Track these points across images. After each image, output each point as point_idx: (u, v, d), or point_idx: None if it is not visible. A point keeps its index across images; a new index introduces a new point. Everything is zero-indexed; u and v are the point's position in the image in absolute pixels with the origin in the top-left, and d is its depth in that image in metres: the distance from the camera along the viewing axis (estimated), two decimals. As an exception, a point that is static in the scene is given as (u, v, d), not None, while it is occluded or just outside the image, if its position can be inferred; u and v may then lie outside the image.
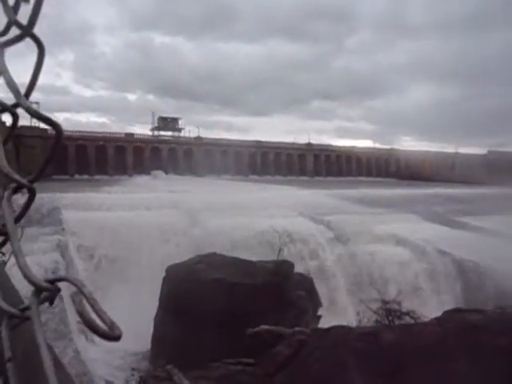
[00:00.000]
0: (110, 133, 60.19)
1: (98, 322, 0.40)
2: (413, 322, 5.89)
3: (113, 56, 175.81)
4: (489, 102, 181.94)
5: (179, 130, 69.92)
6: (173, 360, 10.08)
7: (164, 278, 11.89)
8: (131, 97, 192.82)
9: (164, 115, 71.60)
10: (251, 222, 19.37)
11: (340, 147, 77.52)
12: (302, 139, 76.11)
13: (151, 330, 11.74)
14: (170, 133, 69.05)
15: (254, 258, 13.61)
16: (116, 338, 0.41)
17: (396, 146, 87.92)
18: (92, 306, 0.42)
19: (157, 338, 11.39)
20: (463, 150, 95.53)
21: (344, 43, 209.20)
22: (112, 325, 0.41)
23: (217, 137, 67.25)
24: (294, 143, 72.85)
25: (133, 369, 10.53)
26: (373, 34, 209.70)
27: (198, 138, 64.19)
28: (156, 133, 68.22)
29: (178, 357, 10.04)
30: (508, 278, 17.03)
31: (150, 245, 17.70)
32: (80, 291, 0.43)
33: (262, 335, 8.09)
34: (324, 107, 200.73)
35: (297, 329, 7.63)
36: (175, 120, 70.87)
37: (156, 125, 69.41)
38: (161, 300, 11.65)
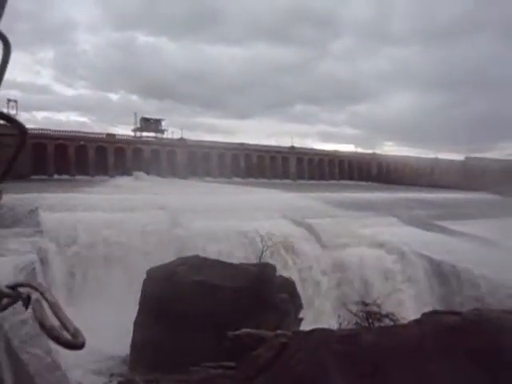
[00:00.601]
0: (92, 133, 59.21)
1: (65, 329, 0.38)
2: (392, 323, 5.96)
3: (95, 55, 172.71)
4: (468, 109, 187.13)
5: (162, 132, 69.29)
6: (153, 364, 9.96)
7: (145, 280, 11.73)
8: (113, 97, 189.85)
9: (147, 116, 70.85)
10: (234, 224, 19.34)
11: (323, 151, 78.24)
12: (286, 142, 76.51)
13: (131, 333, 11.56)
14: (152, 134, 68.34)
15: (236, 261, 13.59)
16: (79, 346, 0.38)
17: (378, 151, 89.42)
18: (55, 313, 0.39)
19: (136, 342, 11.21)
20: (442, 156, 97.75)
21: (328, 48, 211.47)
22: (76, 332, 0.38)
23: (200, 139, 66.98)
24: (277, 146, 73.14)
25: (111, 374, 10.33)
26: (357, 40, 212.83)
27: (181, 140, 63.76)
28: (138, 134, 67.43)
29: (158, 361, 9.93)
30: (485, 280, 17.50)
31: (131, 246, 17.46)
32: (43, 297, 0.40)
33: (244, 338, 8.08)
34: (308, 111, 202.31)
35: (278, 332, 7.64)
36: (158, 121, 70.22)
37: (138, 126, 68.58)
38: (141, 303, 11.49)
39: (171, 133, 68.36)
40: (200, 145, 63.37)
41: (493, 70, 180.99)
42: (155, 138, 66.32)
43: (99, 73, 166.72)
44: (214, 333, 9.37)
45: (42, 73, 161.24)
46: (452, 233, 26.18)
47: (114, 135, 59.83)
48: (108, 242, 17.39)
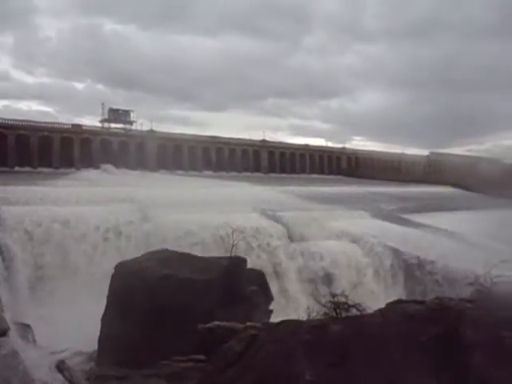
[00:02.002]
0: (56, 123, 56.84)
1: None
2: (359, 313, 6.12)
3: (58, 41, 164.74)
4: (432, 107, 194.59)
5: (131, 123, 67.49)
6: (121, 359, 9.79)
7: (112, 275, 11.47)
8: (79, 86, 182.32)
9: (115, 107, 68.65)
10: (204, 217, 19.23)
11: (294, 145, 78.91)
12: (257, 136, 76.60)
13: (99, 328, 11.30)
14: (121, 125, 66.37)
15: (206, 254, 13.53)
16: (1, 333, 0.35)
17: (348, 145, 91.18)
18: None
19: (104, 338, 10.98)
20: (408, 151, 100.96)
21: (301, 42, 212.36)
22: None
23: (171, 131, 65.84)
24: (249, 140, 73.06)
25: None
26: (329, 35, 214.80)
27: (151, 132, 62.45)
28: (106, 125, 65.34)
29: (126, 356, 9.76)
30: (446, 270, 18.31)
31: (98, 241, 17.00)
32: None
33: (214, 331, 8.07)
34: (279, 105, 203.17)
35: (249, 324, 7.69)
36: (127, 112, 68.30)
37: (106, 117, 66.46)
38: (109, 298, 11.23)
39: (140, 124, 66.83)
40: (170, 137, 62.32)
41: (454, 71, 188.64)
42: (124, 129, 64.54)
43: (63, 60, 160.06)
44: (184, 326, 9.31)
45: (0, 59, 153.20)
46: (417, 225, 27.15)
47: (80, 126, 57.78)
48: (74, 237, 16.86)
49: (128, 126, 66.54)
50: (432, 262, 19.45)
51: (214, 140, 66.87)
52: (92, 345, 11.16)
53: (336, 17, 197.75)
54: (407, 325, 5.48)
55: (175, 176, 49.89)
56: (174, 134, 64.44)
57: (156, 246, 13.66)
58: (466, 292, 6.76)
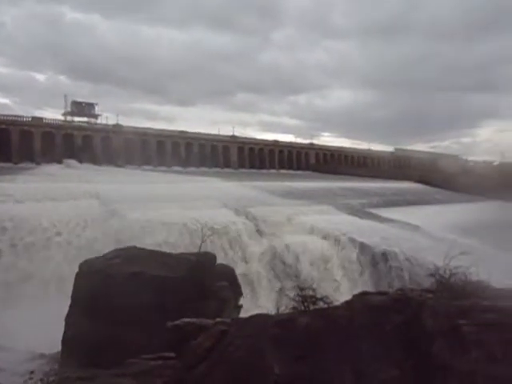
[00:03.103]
0: (14, 116, 54.03)
1: None
2: (326, 306, 6.26)
3: (15, 28, 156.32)
4: (397, 105, 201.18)
5: (96, 117, 65.33)
6: (88, 360, 9.54)
7: (77, 274, 11.12)
8: (39, 77, 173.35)
9: (79, 99, 66.20)
10: (174, 214, 18.98)
11: (264, 140, 79.20)
12: (227, 131, 76.28)
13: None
14: (85, 119, 64.09)
15: (175, 251, 13.38)
16: None
17: (316, 141, 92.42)
18: None
19: (69, 339, 10.63)
20: (375, 147, 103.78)
21: (270, 38, 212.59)
22: None
23: (138, 125, 64.28)
24: (218, 135, 72.62)
25: (31, 372, 9.73)
26: (298, 30, 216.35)
27: (117, 126, 60.70)
28: (69, 118, 62.90)
29: (92, 356, 9.51)
30: (409, 262, 19.03)
31: (62, 239, 16.41)
32: None
33: (183, 328, 8.01)
34: (249, 100, 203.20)
35: (218, 319, 7.68)
36: (91, 105, 66.05)
37: (69, 109, 64.00)
38: (73, 298, 10.88)
39: (106, 118, 64.81)
40: (138, 132, 60.82)
41: (419, 71, 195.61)
42: (88, 123, 62.35)
43: (21, 49, 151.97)
44: (153, 324, 9.18)
45: None
46: (383, 220, 28.04)
47: (41, 119, 55.21)
48: (36, 235, 16.18)
49: (93, 120, 64.36)
50: (396, 255, 20.15)
51: (183, 135, 65.93)
52: (55, 346, 10.80)
53: (305, 13, 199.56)
54: (372, 315, 5.66)
55: (143, 171, 48.87)
56: (142, 128, 62.96)
57: (123, 244, 13.36)
58: (428, 283, 7.05)
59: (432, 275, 6.87)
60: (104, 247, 13.22)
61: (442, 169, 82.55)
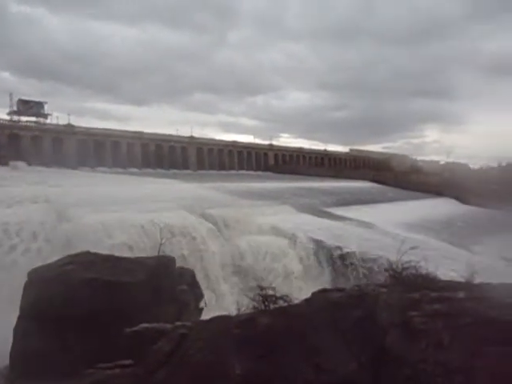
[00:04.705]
0: (-48, 115, 50.14)
1: None
2: (286, 304, 6.36)
3: None
4: (352, 108, 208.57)
5: (45, 116, 61.96)
6: (39, 373, 9.04)
7: (26, 283, 10.49)
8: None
9: (26, 98, 62.53)
10: (129, 216, 18.43)
11: (223, 141, 78.98)
12: (185, 132, 75.25)
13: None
14: (33, 118, 60.62)
15: (133, 255, 13.00)
16: None
17: (275, 142, 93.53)
18: None
19: (17, 351, 10.00)
20: (331, 148, 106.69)
21: (227, 37, 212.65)
22: None
23: (91, 125, 61.76)
24: (176, 135, 71.47)
25: None
26: (255, 31, 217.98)
27: (69, 126, 57.99)
28: (16, 118, 59.20)
29: (44, 368, 9.04)
30: (364, 259, 19.76)
31: (7, 245, 15.40)
32: None
33: (142, 333, 7.81)
34: (207, 100, 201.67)
35: (178, 323, 7.57)
36: (40, 104, 62.55)
37: (15, 108, 60.25)
38: (22, 308, 10.25)
39: (56, 118, 61.67)
40: (91, 132, 58.48)
41: (370, 76, 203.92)
42: (37, 123, 59.01)
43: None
44: (110, 332, 8.86)
45: None
46: (340, 218, 28.91)
47: (-19, 118, 51.69)
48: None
49: (42, 120, 60.99)
50: (353, 252, 20.84)
51: (140, 136, 64.23)
52: (3, 360, 10.13)
53: (260, 13, 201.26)
54: (331, 312, 5.82)
55: (97, 173, 47.08)
56: (95, 128, 60.58)
57: (76, 249, 12.77)
58: (382, 278, 7.36)
59: (386, 270, 7.19)
60: (55, 254, 12.58)
61: (394, 168, 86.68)
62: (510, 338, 4.32)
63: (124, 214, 18.74)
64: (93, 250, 12.05)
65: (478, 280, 6.13)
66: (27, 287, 10.42)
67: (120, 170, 55.19)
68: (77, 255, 11.36)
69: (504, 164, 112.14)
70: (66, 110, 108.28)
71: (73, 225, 17.04)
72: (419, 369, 4.53)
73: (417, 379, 4.48)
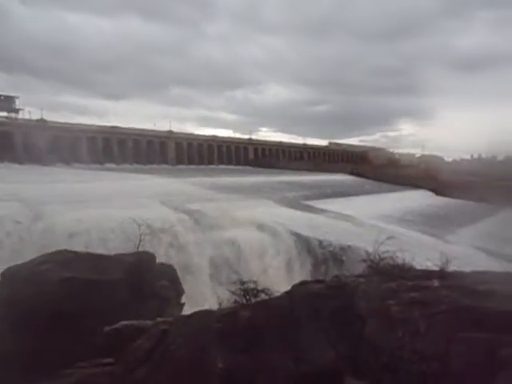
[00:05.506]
0: None
1: None
2: (267, 297, 6.39)
3: None
4: (331, 103, 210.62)
5: (16, 111, 59.99)
6: (13, 377, 8.82)
7: (-1, 283, 10.18)
8: None
9: (-6, 92, 60.42)
10: (108, 213, 18.08)
11: (202, 136, 78.37)
12: (164, 126, 74.24)
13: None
14: (4, 113, 58.58)
15: (112, 252, 12.77)
16: None
17: (254, 136, 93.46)
18: None
19: (-9, 354, 9.71)
20: (310, 142, 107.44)
21: (204, 31, 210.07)
22: None
23: (66, 120, 60.12)
24: (154, 130, 70.42)
25: None
26: (232, 24, 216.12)
27: (42, 121, 56.24)
28: (-16, 113, 57.13)
29: (21, 371, 8.82)
30: (343, 250, 20.08)
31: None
32: None
33: (122, 331, 7.71)
34: (185, 95, 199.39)
35: (159, 319, 7.51)
36: (11, 98, 60.46)
37: (-18, 103, 58.10)
38: (-5, 310, 9.95)
39: (28, 113, 59.77)
40: (65, 127, 56.89)
41: (348, 71, 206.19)
42: (7, 118, 57.02)
43: None
44: (90, 331, 8.71)
45: None
46: (319, 211, 29.23)
47: None
48: None
49: (13, 115, 58.97)
50: (333, 244, 21.13)
51: (116, 131, 62.97)
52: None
53: (239, 6, 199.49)
54: (311, 303, 5.89)
55: (72, 170, 45.95)
56: (70, 123, 58.98)
57: (52, 248, 12.46)
58: (361, 268, 7.50)
59: (364, 261, 7.32)
60: (29, 253, 12.23)
61: (372, 161, 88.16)
62: (482, 325, 4.48)
63: (102, 211, 18.38)
64: (69, 249, 11.80)
65: (451, 268, 6.31)
66: (0, 287, 10.11)
67: (96, 165, 54.05)
68: (52, 254, 11.09)
69: (476, 156, 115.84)
70: (38, 105, 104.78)
71: (47, 223, 16.59)
72: (396, 356, 4.65)
73: (394, 367, 4.60)
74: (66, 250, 11.38)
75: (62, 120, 59.16)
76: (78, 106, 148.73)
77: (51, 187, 24.46)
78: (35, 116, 58.24)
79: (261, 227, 21.53)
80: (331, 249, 20.97)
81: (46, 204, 18.29)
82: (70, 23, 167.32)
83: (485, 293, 5.05)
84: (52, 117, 60.27)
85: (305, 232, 21.94)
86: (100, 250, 12.84)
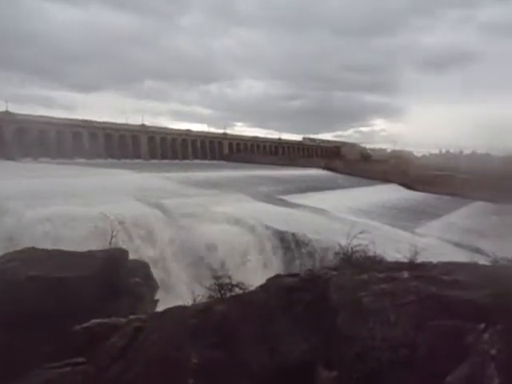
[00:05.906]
0: None
1: None
2: (242, 292, 6.42)
3: None
4: (305, 98, 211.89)
5: (-22, 103, 57.06)
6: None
7: (-38, 283, 9.73)
8: None
9: (-46, 83, 57.23)
10: (78, 209, 17.58)
11: (176, 130, 77.23)
12: (136, 120, 72.76)
13: None
14: (-36, 106, 55.70)
15: (82, 249, 12.44)
16: None
17: (229, 131, 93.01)
18: None
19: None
20: (285, 136, 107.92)
21: (178, 23, 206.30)
22: None
23: (33, 113, 57.72)
24: (126, 124, 68.83)
25: None
26: (206, 16, 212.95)
27: (7, 114, 53.83)
28: None
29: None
30: (317, 244, 20.37)
31: None
32: None
33: (93, 330, 7.55)
34: (158, 88, 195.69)
35: (132, 317, 7.39)
36: (-28, 90, 57.49)
37: None
38: (-42, 310, 9.52)
39: (-9, 105, 56.98)
40: (32, 120, 54.66)
41: (324, 66, 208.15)
42: (-31, 110, 54.30)
43: None
44: (58, 330, 8.48)
45: None
46: (293, 205, 29.48)
47: None
48: None
49: (-26, 107, 56.12)
50: (305, 237, 21.38)
51: (87, 124, 61.11)
52: None
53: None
54: (285, 296, 5.96)
55: (40, 164, 44.33)
56: (37, 116, 56.71)
57: (19, 245, 12.01)
58: (334, 261, 7.63)
59: (337, 254, 7.47)
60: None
61: (345, 156, 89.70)
62: (448, 313, 4.67)
63: (72, 207, 17.85)
64: (38, 246, 11.42)
65: (420, 260, 6.53)
66: (-37, 288, 9.68)
67: (65, 160, 52.32)
68: (20, 252, 10.70)
69: (444, 151, 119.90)
70: (3, 97, 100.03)
71: (15, 220, 15.97)
72: (367, 346, 4.78)
73: (365, 356, 4.72)
74: (34, 248, 11.03)
75: (30, 113, 56.85)
76: (47, 99, 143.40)
77: (17, 182, 23.51)
78: (0, 108, 55.73)
79: (236, 222, 21.52)
80: (306, 242, 21.22)
81: (12, 200, 17.57)
82: (35, 10, 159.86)
83: (450, 282, 5.26)
84: (18, 109, 57.80)
85: (280, 226, 22.09)
86: (70, 248, 12.46)
